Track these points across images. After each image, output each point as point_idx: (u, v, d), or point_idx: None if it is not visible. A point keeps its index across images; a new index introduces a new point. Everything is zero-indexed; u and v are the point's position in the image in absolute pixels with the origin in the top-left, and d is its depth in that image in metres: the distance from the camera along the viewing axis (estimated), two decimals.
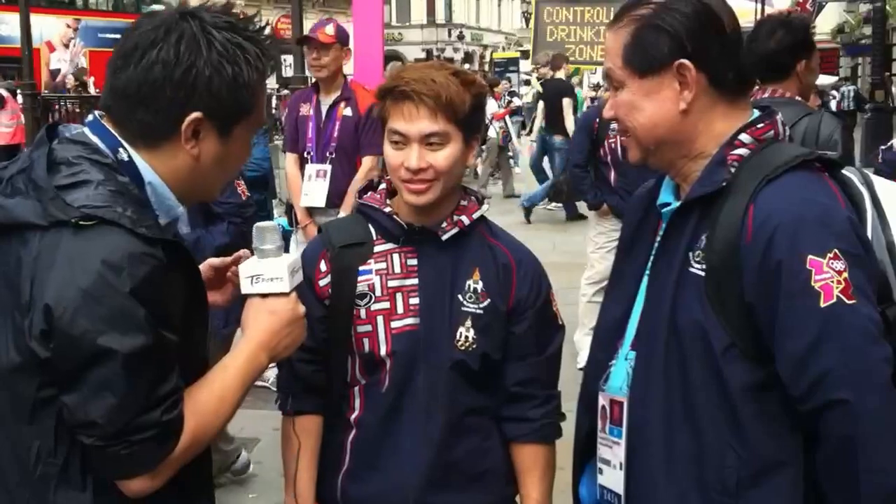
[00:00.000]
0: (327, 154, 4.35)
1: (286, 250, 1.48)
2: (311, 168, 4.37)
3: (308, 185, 4.38)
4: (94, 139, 1.30)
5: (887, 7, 18.82)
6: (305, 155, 4.40)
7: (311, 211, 4.42)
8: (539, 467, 1.75)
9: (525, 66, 22.77)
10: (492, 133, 12.17)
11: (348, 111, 4.34)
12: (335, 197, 4.34)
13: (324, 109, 4.37)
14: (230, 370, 1.37)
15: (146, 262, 1.20)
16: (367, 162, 4.34)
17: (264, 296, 1.41)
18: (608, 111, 1.47)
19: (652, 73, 1.37)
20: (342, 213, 4.28)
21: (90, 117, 1.34)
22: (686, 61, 1.36)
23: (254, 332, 1.40)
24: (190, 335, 1.33)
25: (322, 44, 4.27)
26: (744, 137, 1.38)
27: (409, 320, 1.66)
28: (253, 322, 1.41)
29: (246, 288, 1.42)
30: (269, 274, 1.41)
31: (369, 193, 1.78)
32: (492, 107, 12.81)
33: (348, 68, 6.72)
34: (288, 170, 4.48)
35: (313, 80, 4.64)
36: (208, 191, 1.41)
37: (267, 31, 1.38)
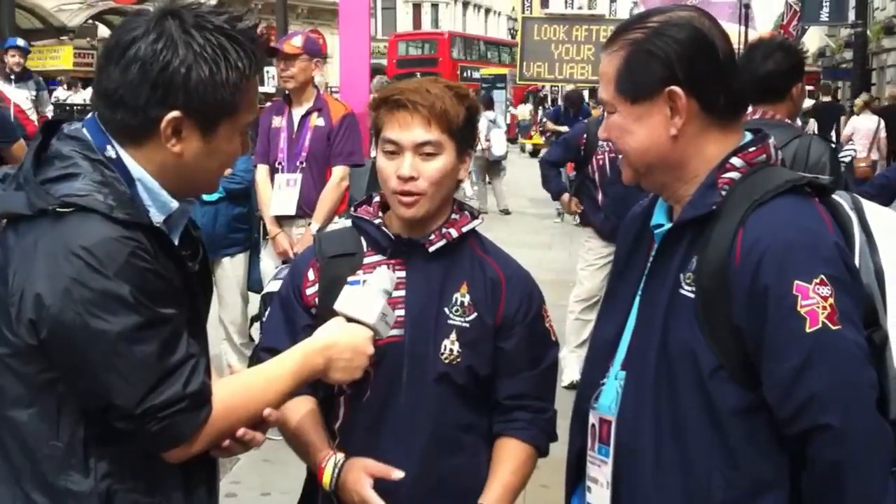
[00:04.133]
0: (298, 164, 4.38)
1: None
2: (281, 178, 4.40)
3: (278, 195, 4.40)
4: (89, 136, 1.32)
5: (868, 32, 19.11)
6: (276, 165, 4.43)
7: (280, 221, 4.43)
8: (512, 461, 1.71)
9: None
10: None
11: (320, 121, 4.39)
12: (305, 206, 4.36)
13: (296, 120, 4.41)
14: (285, 358, 1.44)
15: (126, 244, 1.23)
16: (338, 172, 4.38)
17: (349, 319, 1.49)
18: (602, 132, 1.48)
19: (643, 98, 1.38)
20: (313, 223, 4.30)
21: (89, 115, 1.37)
22: (677, 88, 1.36)
23: (322, 334, 1.48)
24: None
25: (288, 55, 4.31)
26: (735, 161, 1.39)
27: (394, 332, 1.65)
28: (327, 329, 1.49)
29: (340, 303, 1.50)
30: (365, 300, 1.49)
31: (363, 206, 1.78)
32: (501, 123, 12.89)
33: (334, 80, 6.74)
34: (258, 181, 4.52)
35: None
36: (201, 185, 1.42)
37: (259, 29, 1.38)
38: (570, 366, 5.16)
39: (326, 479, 1.64)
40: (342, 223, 4.50)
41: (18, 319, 1.23)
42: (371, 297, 1.49)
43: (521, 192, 13.22)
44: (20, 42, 9.11)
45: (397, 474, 1.59)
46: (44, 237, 1.23)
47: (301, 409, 1.69)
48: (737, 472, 1.33)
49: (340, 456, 1.65)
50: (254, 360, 3.48)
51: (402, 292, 1.68)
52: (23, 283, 1.23)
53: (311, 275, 1.74)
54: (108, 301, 1.21)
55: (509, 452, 1.72)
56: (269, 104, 5.10)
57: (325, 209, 4.34)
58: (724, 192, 1.37)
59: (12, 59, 8.63)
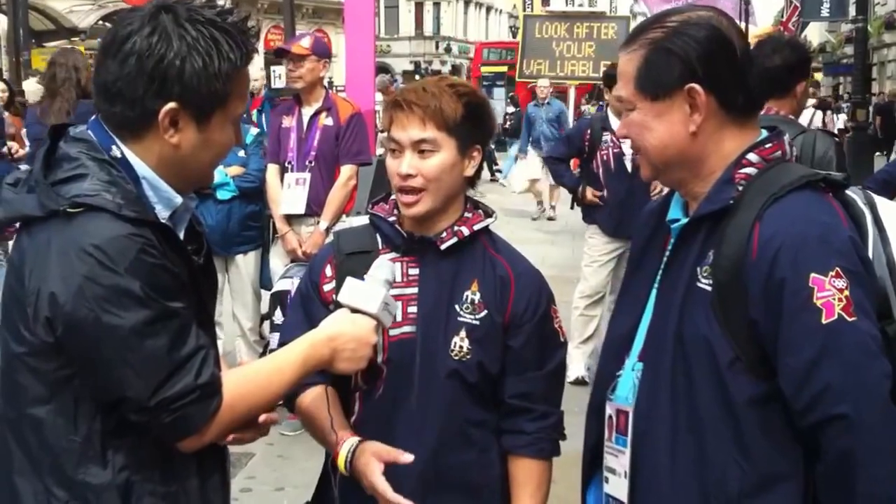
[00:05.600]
0: (307, 163, 4.41)
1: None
2: (290, 177, 4.44)
3: (287, 193, 4.44)
4: (94, 138, 1.36)
5: (868, 27, 19.09)
6: (286, 164, 4.46)
7: (289, 220, 4.47)
8: (531, 483, 1.75)
9: None
10: None
11: (329, 121, 4.43)
12: (314, 205, 4.39)
13: (305, 120, 4.45)
14: (292, 349, 1.46)
15: (135, 241, 1.27)
16: (346, 171, 4.42)
17: (353, 310, 1.51)
18: (621, 130, 1.51)
19: (663, 96, 1.41)
20: (322, 222, 4.34)
21: (93, 117, 1.40)
22: (696, 86, 1.39)
23: (327, 325, 1.50)
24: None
25: (297, 55, 4.37)
26: (751, 157, 1.42)
27: (406, 328, 1.68)
28: (332, 320, 1.51)
29: (343, 295, 1.52)
30: (367, 291, 1.51)
31: (380, 204, 1.81)
32: None
33: (340, 79, 6.76)
34: (268, 180, 4.56)
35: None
36: (199, 177, 1.45)
37: (250, 24, 1.42)
38: (576, 362, 5.17)
39: (341, 462, 1.66)
40: (350, 222, 4.54)
41: (35, 318, 1.27)
42: (373, 287, 1.52)
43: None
44: None
45: (406, 458, 1.61)
46: (56, 237, 1.27)
47: (317, 394, 1.71)
48: (751, 462, 1.35)
49: (355, 440, 1.67)
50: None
51: (414, 289, 1.71)
52: (38, 282, 1.27)
53: (328, 271, 1.78)
54: (120, 297, 1.25)
55: (525, 474, 1.75)
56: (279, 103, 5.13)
57: (333, 208, 4.37)
58: (740, 188, 1.40)
59: None
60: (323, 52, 4.44)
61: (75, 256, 1.24)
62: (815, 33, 33.43)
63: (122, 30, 1.33)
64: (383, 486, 1.60)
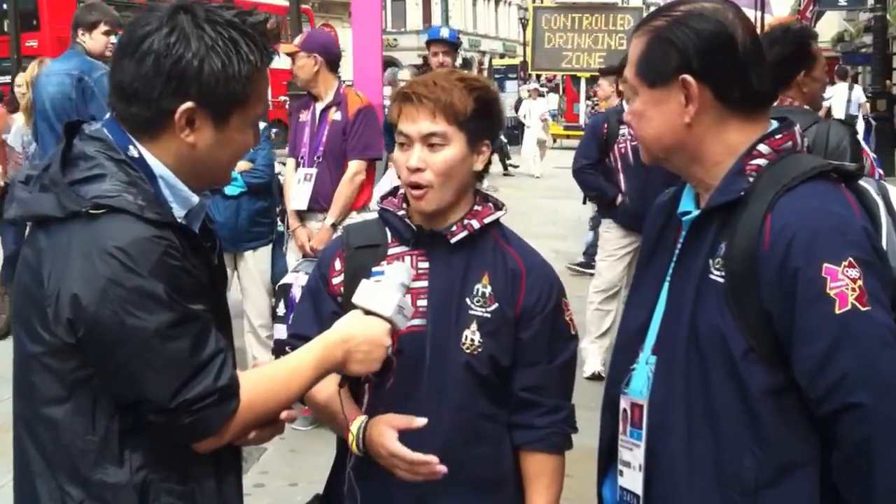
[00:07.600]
0: (316, 158, 4.43)
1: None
2: (299, 172, 4.47)
3: (296, 189, 4.46)
4: (110, 136, 1.35)
5: (887, 16, 18.87)
6: (299, 159, 4.49)
7: (301, 215, 4.48)
8: (545, 476, 1.75)
9: None
10: None
11: (337, 116, 4.42)
12: (321, 200, 4.39)
13: (317, 115, 4.47)
14: (306, 351, 1.47)
15: (158, 243, 1.27)
16: (353, 166, 4.40)
17: (367, 312, 1.50)
18: (626, 116, 1.52)
19: (660, 84, 1.41)
20: (328, 217, 4.33)
21: (108, 116, 1.40)
22: (688, 77, 1.39)
23: (341, 327, 1.50)
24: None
25: (287, 54, 4.39)
26: (762, 148, 1.41)
27: (417, 321, 1.67)
28: (345, 322, 1.51)
29: (358, 296, 1.52)
30: (382, 293, 1.51)
31: (389, 198, 1.81)
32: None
33: (347, 74, 6.76)
34: (286, 174, 4.60)
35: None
36: (216, 176, 1.46)
37: (270, 24, 1.42)
38: (591, 357, 5.15)
39: (352, 441, 1.65)
40: (359, 218, 4.53)
41: (56, 319, 1.27)
42: (388, 290, 1.51)
43: (535, 183, 13.19)
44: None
45: (419, 422, 1.60)
46: (77, 238, 1.26)
47: (329, 383, 1.69)
48: (768, 451, 1.35)
49: (364, 417, 1.67)
50: (274, 352, 3.51)
51: (424, 283, 1.70)
52: (58, 283, 1.26)
53: (337, 265, 1.78)
54: (144, 299, 1.25)
55: (538, 469, 1.75)
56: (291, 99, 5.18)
57: (339, 204, 4.36)
58: (751, 179, 1.39)
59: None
60: (312, 47, 4.39)
61: (98, 258, 1.24)
62: (832, 22, 33.07)
63: (140, 30, 1.32)
64: (401, 450, 1.58)
